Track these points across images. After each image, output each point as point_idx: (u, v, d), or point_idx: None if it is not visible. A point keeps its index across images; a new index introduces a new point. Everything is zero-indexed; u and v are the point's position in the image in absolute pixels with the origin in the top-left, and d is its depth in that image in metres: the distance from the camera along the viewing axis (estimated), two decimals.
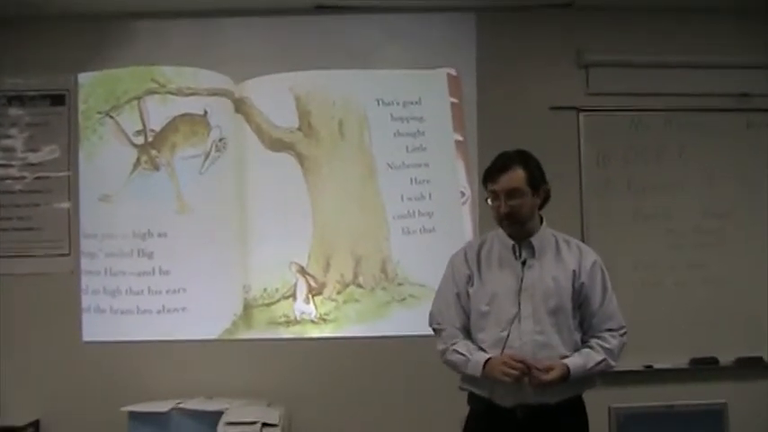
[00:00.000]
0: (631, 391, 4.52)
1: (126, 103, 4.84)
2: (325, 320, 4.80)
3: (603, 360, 3.07)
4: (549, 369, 2.98)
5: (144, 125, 4.84)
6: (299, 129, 4.89)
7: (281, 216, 4.84)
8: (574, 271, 3.09)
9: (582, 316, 3.12)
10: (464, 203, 4.86)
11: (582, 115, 4.92)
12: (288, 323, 4.82)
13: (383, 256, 4.85)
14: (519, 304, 3.04)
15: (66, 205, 4.81)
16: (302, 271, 4.82)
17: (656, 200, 4.90)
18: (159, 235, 4.80)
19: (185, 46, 4.85)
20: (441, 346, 3.18)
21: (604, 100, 4.93)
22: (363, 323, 4.80)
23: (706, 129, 4.92)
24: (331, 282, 4.84)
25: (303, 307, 4.83)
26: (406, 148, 4.91)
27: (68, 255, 4.78)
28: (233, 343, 4.79)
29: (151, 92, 4.85)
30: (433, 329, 3.25)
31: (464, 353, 3.09)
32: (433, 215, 4.86)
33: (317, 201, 4.86)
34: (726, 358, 4.83)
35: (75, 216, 4.79)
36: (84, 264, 4.79)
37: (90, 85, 4.86)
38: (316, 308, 4.82)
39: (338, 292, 4.83)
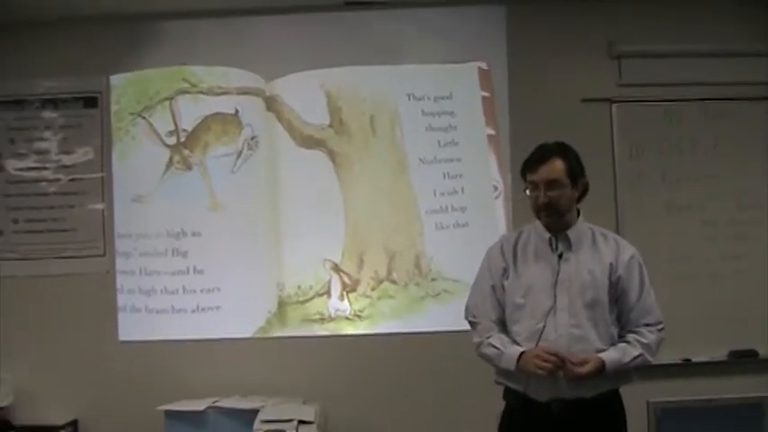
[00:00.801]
0: (670, 386, 4.48)
1: (158, 103, 4.88)
2: (359, 317, 4.81)
3: (640, 355, 3.05)
4: (583, 362, 2.96)
5: (176, 125, 4.87)
6: (330, 125, 4.90)
7: (313, 213, 4.84)
8: (611, 264, 3.08)
9: (619, 310, 3.11)
10: (497, 197, 4.84)
11: (614, 107, 4.89)
12: (322, 320, 4.83)
13: (416, 252, 4.84)
14: (555, 297, 3.03)
15: (100, 206, 4.85)
16: (336, 268, 4.83)
17: (690, 191, 4.86)
18: (193, 234, 4.83)
19: (215, 45, 4.87)
20: (476, 339, 3.18)
21: (637, 91, 4.89)
22: (398, 319, 4.79)
23: (741, 118, 4.88)
24: (365, 278, 4.84)
25: (337, 304, 4.83)
26: (438, 142, 4.91)
27: (103, 255, 4.82)
28: (267, 341, 4.81)
29: (182, 92, 4.88)
30: (469, 322, 3.25)
31: (498, 346, 3.09)
32: (466, 210, 4.85)
33: (349, 197, 4.86)
34: (766, 351, 4.77)
35: (110, 216, 4.83)
36: (119, 264, 4.83)
37: (122, 86, 4.90)
38: (350, 304, 4.82)
39: (372, 289, 4.83)
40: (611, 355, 3.02)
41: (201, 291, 4.81)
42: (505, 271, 3.14)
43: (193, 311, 4.81)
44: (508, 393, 3.17)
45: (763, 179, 4.86)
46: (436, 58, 4.92)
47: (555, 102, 4.85)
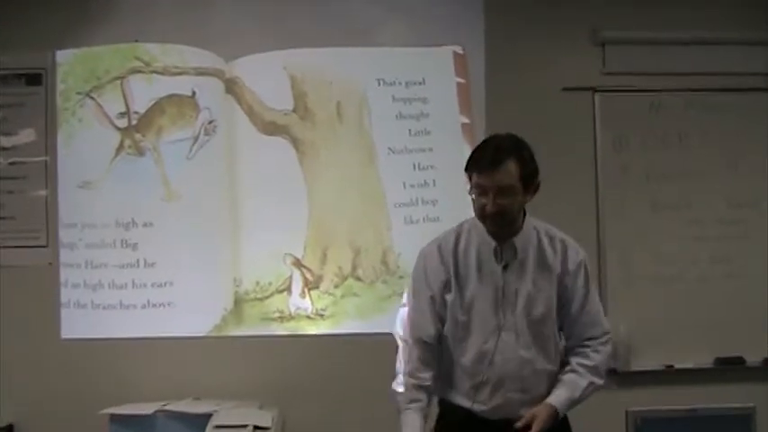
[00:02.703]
0: (650, 394, 4.47)
1: (108, 83, 4.75)
2: (321, 316, 4.73)
3: (590, 383, 2.93)
4: (532, 419, 2.83)
5: (127, 107, 4.76)
6: (294, 111, 4.82)
7: (274, 204, 4.77)
8: (558, 275, 2.94)
9: (561, 320, 2.97)
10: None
11: (597, 96, 4.85)
12: (282, 319, 4.75)
13: (384, 248, 4.79)
14: (500, 314, 2.90)
15: (43, 193, 4.73)
16: (297, 263, 4.75)
17: (676, 188, 4.83)
18: (144, 224, 4.73)
19: (171, 22, 4.77)
20: (399, 395, 3.01)
21: (622, 80, 4.86)
22: (363, 319, 4.72)
23: (731, 111, 4.85)
24: (328, 275, 4.77)
25: (298, 301, 4.75)
26: (409, 131, 4.85)
27: (46, 246, 4.70)
28: (223, 340, 4.72)
29: (135, 71, 4.77)
30: (400, 342, 3.14)
31: None
32: (437, 203, 4.78)
33: (313, 188, 4.79)
34: (753, 358, 4.75)
35: (54, 204, 4.71)
36: (63, 255, 4.71)
37: (69, 63, 4.77)
38: (312, 302, 4.74)
39: (336, 286, 4.76)
40: (560, 398, 2.89)
41: (152, 285, 4.71)
42: (446, 284, 2.95)
43: (143, 307, 4.70)
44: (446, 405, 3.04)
45: (754, 176, 4.83)
46: (409, 41, 4.86)
47: (535, 90, 4.82)
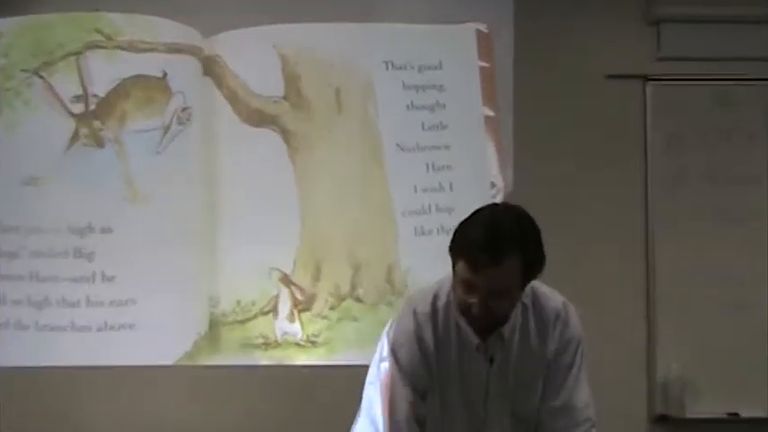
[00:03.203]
0: None
1: (61, 59, 4.47)
2: (313, 343, 4.45)
3: None
4: None
5: (84, 88, 4.47)
6: (285, 98, 4.54)
7: (259, 209, 4.49)
8: (548, 360, 2.60)
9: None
10: (494, 197, 4.42)
11: (650, 86, 4.52)
12: (266, 346, 4.45)
13: (389, 263, 4.51)
14: (484, 412, 2.62)
15: None
16: (286, 280, 4.47)
17: (743, 195, 4.52)
18: (102, 230, 4.43)
19: None
20: None
21: (679, 66, 4.52)
22: (363, 347, 4.24)
23: None
24: (322, 294, 4.49)
25: (286, 325, 4.47)
26: (422, 125, 4.55)
27: None
28: (195, 370, 4.42)
29: (94, 46, 4.48)
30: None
31: None
32: (453, 211, 4.40)
33: (306, 190, 4.51)
34: None
35: None
36: (2, 266, 4.41)
37: (12, 33, 4.50)
38: (302, 327, 4.46)
39: (331, 308, 4.48)
40: None
41: (111, 304, 4.41)
42: (426, 388, 2.61)
43: (99, 330, 4.39)
44: None
45: None
46: (423, 17, 4.55)
47: (573, 77, 4.48)
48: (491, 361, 2.56)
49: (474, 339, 2.55)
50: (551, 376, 2.60)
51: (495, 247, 2.34)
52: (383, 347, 2.71)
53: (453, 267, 2.46)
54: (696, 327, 4.38)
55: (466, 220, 2.44)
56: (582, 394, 2.61)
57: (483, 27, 4.54)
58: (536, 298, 2.60)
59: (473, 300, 2.43)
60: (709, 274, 4.43)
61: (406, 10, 4.52)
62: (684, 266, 4.45)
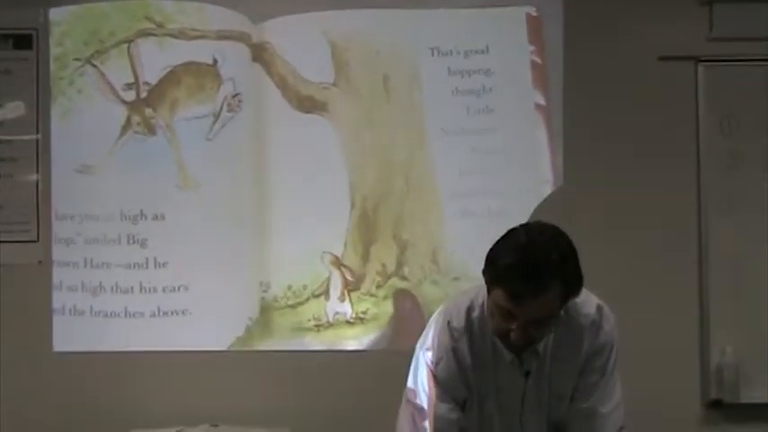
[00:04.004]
0: None
1: (113, 47, 4.44)
2: (362, 320, 4.43)
3: None
4: None
5: (136, 76, 4.45)
6: (335, 84, 4.48)
7: (310, 194, 4.45)
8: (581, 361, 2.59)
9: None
10: (546, 182, 4.38)
11: (702, 67, 4.39)
12: (318, 328, 4.44)
13: (434, 244, 4.46)
14: (520, 423, 2.62)
15: (33, 177, 4.39)
16: (337, 262, 4.44)
17: None
18: (155, 217, 4.42)
19: None
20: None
21: (733, 47, 4.39)
22: None
23: None
24: (370, 273, 4.48)
25: (337, 306, 4.45)
26: (468, 109, 4.46)
27: (36, 241, 4.35)
28: (247, 355, 4.40)
29: (145, 33, 4.45)
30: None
31: None
32: (501, 194, 4.42)
33: (354, 174, 4.47)
34: None
35: (46, 192, 4.37)
36: (58, 252, 4.38)
37: (66, 23, 4.45)
38: (351, 306, 4.43)
39: (378, 286, 4.46)
40: None
41: (164, 290, 4.41)
42: (465, 401, 2.62)
43: (153, 316, 4.39)
44: None
45: None
46: (470, 1, 4.46)
47: (624, 60, 4.37)
48: (527, 374, 2.55)
49: (508, 356, 2.53)
50: (583, 378, 2.57)
51: (537, 277, 2.29)
52: (425, 356, 2.69)
53: (488, 291, 2.39)
54: (750, 311, 4.26)
55: (499, 243, 2.37)
56: (612, 399, 2.58)
57: (533, 10, 4.41)
58: (571, 307, 2.53)
59: (511, 326, 2.38)
60: (763, 256, 4.28)
61: None
62: (739, 252, 4.32)
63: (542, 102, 4.43)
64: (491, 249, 2.37)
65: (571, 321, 2.55)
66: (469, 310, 2.59)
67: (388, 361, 4.00)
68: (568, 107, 4.35)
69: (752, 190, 4.35)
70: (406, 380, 2.71)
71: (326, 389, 4.32)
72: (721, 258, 4.30)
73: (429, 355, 2.63)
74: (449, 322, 2.60)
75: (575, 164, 4.09)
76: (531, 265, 2.28)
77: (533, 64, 4.44)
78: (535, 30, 4.44)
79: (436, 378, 2.62)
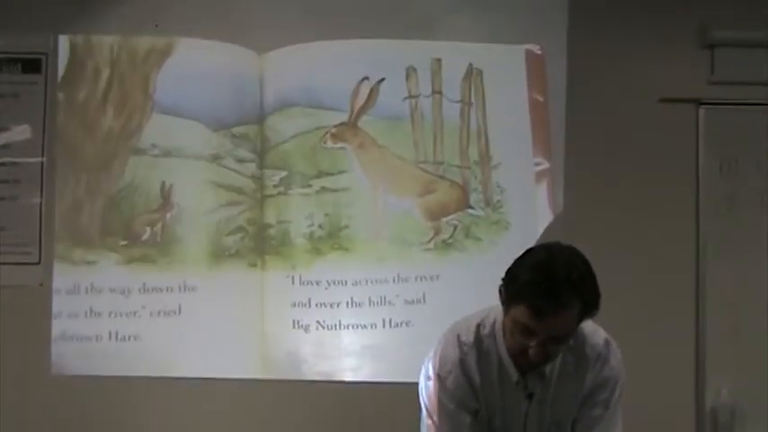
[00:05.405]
0: None
1: None
2: None
3: None
4: None
5: None
6: None
7: None
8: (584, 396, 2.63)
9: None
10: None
11: (703, 110, 4.37)
12: None
13: None
14: None
15: (37, 200, 4.31)
16: None
17: None
18: None
19: (199, 12, 4.33)
20: None
21: (734, 90, 4.37)
22: None
23: None
24: None
25: None
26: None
27: (38, 263, 4.27)
28: (250, 383, 4.23)
29: None
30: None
31: None
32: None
33: None
34: None
35: (50, 214, 4.28)
36: (59, 275, 4.28)
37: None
38: None
39: None
40: None
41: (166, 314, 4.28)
42: (477, 412, 2.62)
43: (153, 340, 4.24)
44: None
45: None
46: (474, 36, 4.36)
47: (625, 101, 4.37)
48: (530, 396, 2.55)
49: (514, 375, 2.53)
50: (586, 411, 2.57)
51: (558, 294, 2.31)
52: (428, 370, 2.68)
53: (506, 309, 2.41)
54: (747, 352, 4.23)
55: (519, 262, 2.40)
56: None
57: (536, 48, 4.34)
58: (579, 335, 2.54)
59: (530, 342, 2.40)
60: (761, 299, 4.25)
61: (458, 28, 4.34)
62: (735, 292, 4.29)
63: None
64: (510, 268, 2.41)
65: (578, 350, 2.56)
66: (479, 326, 2.61)
67: None
68: (569, 145, 4.30)
69: (750, 232, 4.31)
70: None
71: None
72: (718, 300, 4.27)
73: (438, 369, 2.63)
74: (458, 336, 2.62)
75: (574, 201, 4.07)
76: (553, 282, 2.32)
77: (535, 102, 4.35)
78: (537, 68, 4.34)
79: (447, 391, 2.61)
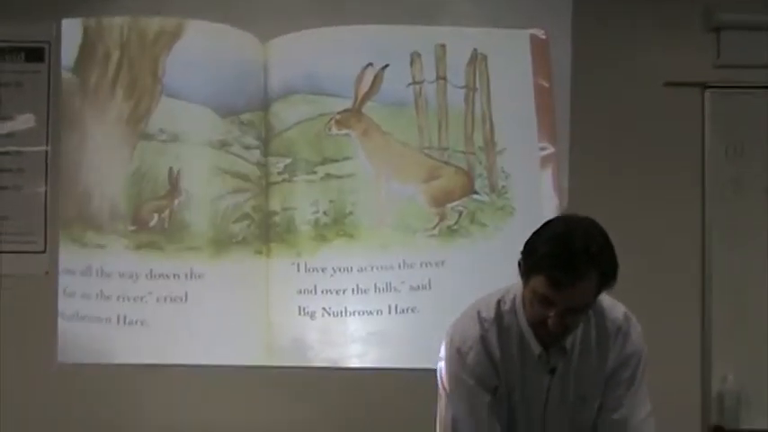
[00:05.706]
0: None
1: None
2: None
3: None
4: None
5: None
6: None
7: None
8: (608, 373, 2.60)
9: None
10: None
11: (708, 93, 4.33)
12: None
13: None
14: (542, 420, 2.61)
15: (41, 189, 4.29)
16: None
17: None
18: None
19: None
20: None
21: (740, 74, 4.33)
22: None
23: None
24: None
25: None
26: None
27: (43, 252, 4.26)
28: (253, 370, 4.23)
29: None
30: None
31: None
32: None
33: None
34: None
35: (55, 203, 4.28)
36: (65, 262, 4.26)
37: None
38: None
39: None
40: None
41: (172, 300, 4.27)
42: (496, 390, 2.59)
43: (158, 328, 4.23)
44: None
45: None
46: (476, 20, 4.34)
47: (631, 85, 4.32)
48: (552, 371, 2.53)
49: (536, 349, 2.52)
50: (611, 390, 2.56)
51: (576, 265, 2.32)
52: (446, 348, 2.67)
53: (525, 280, 2.41)
54: (753, 337, 4.23)
55: (537, 234, 2.39)
56: (642, 409, 2.57)
57: (540, 33, 4.30)
58: (598, 309, 2.53)
59: (549, 313, 2.40)
60: (766, 285, 4.23)
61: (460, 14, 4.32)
62: (742, 278, 4.28)
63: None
64: (528, 240, 2.41)
65: (599, 325, 2.56)
66: (500, 302, 2.61)
67: None
68: (574, 130, 4.27)
69: (756, 217, 4.30)
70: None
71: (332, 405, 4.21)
72: (724, 285, 4.25)
73: (459, 345, 2.62)
74: (479, 312, 2.62)
75: (579, 188, 4.06)
76: (571, 254, 2.33)
77: (539, 87, 4.32)
78: (542, 53, 4.32)
79: (467, 367, 2.61)
